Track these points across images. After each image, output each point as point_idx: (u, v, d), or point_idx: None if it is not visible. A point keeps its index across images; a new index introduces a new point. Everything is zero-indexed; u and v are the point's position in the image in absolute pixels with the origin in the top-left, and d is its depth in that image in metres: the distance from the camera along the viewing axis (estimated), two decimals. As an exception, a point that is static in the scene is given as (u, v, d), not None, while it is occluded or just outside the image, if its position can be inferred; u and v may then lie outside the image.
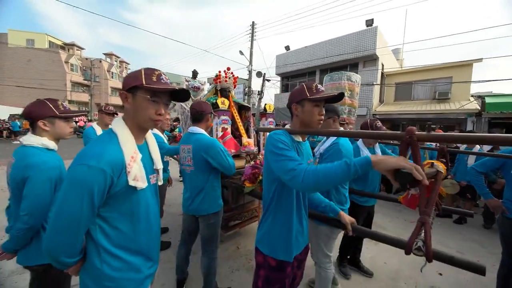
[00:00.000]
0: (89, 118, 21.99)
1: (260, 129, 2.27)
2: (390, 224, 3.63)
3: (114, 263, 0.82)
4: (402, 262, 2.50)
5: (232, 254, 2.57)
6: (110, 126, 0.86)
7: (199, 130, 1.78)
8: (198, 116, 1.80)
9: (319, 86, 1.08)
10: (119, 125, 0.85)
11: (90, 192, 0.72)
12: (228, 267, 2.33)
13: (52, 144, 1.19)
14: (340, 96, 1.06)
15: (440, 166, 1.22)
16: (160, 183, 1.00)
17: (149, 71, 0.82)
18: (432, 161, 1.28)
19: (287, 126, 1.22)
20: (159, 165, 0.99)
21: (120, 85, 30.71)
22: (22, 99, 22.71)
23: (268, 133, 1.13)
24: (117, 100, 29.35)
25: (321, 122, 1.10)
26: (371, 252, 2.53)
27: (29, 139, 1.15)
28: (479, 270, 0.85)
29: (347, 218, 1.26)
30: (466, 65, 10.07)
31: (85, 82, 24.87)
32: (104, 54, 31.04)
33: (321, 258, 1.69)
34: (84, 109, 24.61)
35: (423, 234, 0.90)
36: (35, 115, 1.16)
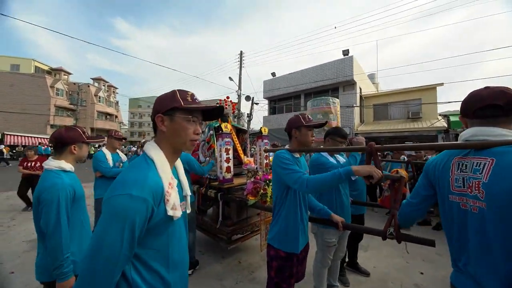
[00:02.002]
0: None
1: (267, 150, 2.64)
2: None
3: None
4: (389, 266, 2.77)
5: (234, 268, 2.72)
6: (144, 151, 0.81)
7: None
8: None
9: (309, 116, 1.50)
10: (155, 151, 0.80)
11: (131, 224, 0.65)
12: (232, 279, 2.48)
13: (68, 166, 1.28)
14: (324, 123, 1.51)
15: (403, 173, 1.60)
16: (189, 210, 0.92)
17: (183, 93, 0.83)
18: (397, 169, 1.67)
19: (287, 146, 1.57)
20: (188, 191, 0.93)
21: (107, 109, 30.75)
22: (-1, 124, 21.82)
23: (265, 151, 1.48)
24: (102, 124, 29.22)
25: (313, 141, 1.48)
26: (361, 259, 2.77)
27: (49, 163, 1.23)
28: (431, 243, 1.20)
29: (337, 218, 1.58)
30: (431, 88, 11.44)
31: (71, 106, 24.60)
32: (92, 78, 31.18)
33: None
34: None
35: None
36: (70, 141, 1.28)
